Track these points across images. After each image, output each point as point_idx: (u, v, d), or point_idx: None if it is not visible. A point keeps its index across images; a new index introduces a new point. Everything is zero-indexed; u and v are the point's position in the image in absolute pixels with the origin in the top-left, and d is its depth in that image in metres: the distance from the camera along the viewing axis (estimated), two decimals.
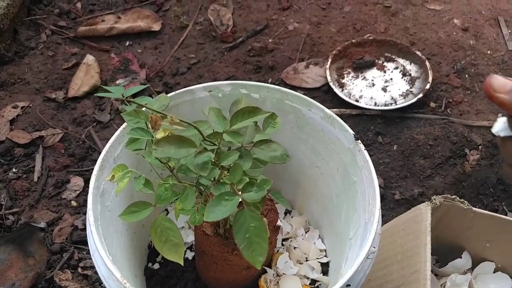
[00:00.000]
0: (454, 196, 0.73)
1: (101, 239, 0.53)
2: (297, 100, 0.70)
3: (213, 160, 0.46)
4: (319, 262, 0.78)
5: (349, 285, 0.56)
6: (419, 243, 0.67)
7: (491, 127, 0.66)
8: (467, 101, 1.16)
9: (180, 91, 0.69)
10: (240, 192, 0.44)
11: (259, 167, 0.51)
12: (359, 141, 0.63)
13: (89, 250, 0.96)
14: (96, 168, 0.59)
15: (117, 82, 1.25)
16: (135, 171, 0.55)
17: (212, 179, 0.59)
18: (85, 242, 0.94)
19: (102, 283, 0.72)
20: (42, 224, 0.96)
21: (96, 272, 0.90)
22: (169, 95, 0.68)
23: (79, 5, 1.44)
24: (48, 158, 1.08)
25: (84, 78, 1.24)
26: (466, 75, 1.22)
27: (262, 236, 0.42)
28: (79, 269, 0.91)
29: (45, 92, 1.21)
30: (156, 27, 1.38)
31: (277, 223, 0.70)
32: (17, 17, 1.34)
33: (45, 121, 1.14)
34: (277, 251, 0.78)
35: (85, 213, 1.00)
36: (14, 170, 1.05)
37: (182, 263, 0.53)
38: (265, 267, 0.75)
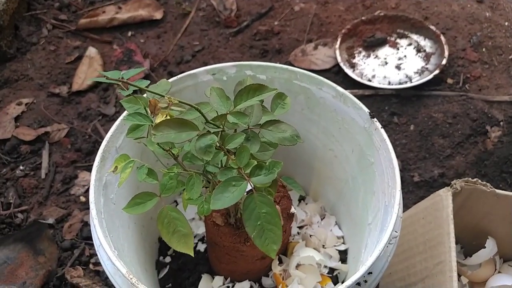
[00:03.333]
0: (475, 179, 0.69)
1: (104, 233, 0.50)
2: (307, 79, 0.65)
3: (218, 144, 0.42)
4: (336, 249, 0.75)
5: (371, 273, 0.52)
6: (441, 232, 0.63)
7: None
8: (485, 75, 1.11)
9: (183, 75, 0.66)
10: (248, 177, 0.40)
11: (268, 150, 0.47)
12: (375, 119, 0.59)
13: None
14: (97, 159, 0.56)
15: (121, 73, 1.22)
16: (137, 160, 0.52)
17: (220, 165, 0.55)
18: None
19: None
20: (51, 221, 0.94)
21: None
22: (170, 80, 0.65)
23: None
24: (55, 154, 1.06)
25: (88, 71, 1.22)
26: (483, 49, 1.16)
27: (275, 222, 0.38)
28: (91, 265, 0.89)
29: (49, 88, 1.19)
30: (158, 15, 1.34)
31: (291, 210, 0.66)
32: (17, 12, 1.31)
33: (50, 117, 1.12)
34: (292, 239, 0.75)
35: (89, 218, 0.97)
36: (21, 167, 1.03)
37: (192, 254, 0.50)
38: (281, 256, 0.72)
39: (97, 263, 0.89)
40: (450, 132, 1.01)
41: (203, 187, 0.58)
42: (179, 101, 0.40)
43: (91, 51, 1.25)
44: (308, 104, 0.68)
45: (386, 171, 0.56)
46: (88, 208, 0.98)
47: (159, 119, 0.46)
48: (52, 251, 0.90)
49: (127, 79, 0.50)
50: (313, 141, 0.73)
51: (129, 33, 1.31)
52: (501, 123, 1.02)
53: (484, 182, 0.67)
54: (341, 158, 0.70)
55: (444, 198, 0.66)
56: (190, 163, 0.57)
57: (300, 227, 0.77)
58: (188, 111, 0.43)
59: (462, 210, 0.72)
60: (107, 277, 0.87)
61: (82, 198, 0.99)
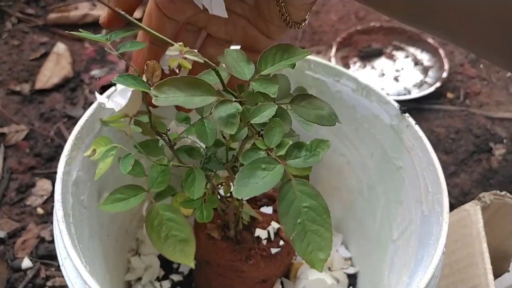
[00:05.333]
0: (504, 192, 0.61)
1: (73, 242, 0.37)
2: (322, 70, 0.56)
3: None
4: (345, 273, 0.64)
5: None
6: (472, 252, 0.54)
7: None
8: (485, 92, 1.06)
9: None
10: (283, 160, 0.30)
11: (293, 135, 0.37)
12: (407, 114, 0.50)
13: (58, 266, 0.80)
14: (67, 148, 0.44)
15: (92, 73, 1.09)
16: (122, 147, 0.40)
17: (224, 161, 0.45)
18: (53, 257, 0.78)
19: None
20: (2, 235, 0.79)
21: None
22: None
23: None
24: (10, 158, 0.91)
25: (54, 69, 1.08)
26: (481, 65, 1.12)
27: (322, 221, 0.28)
28: None
29: (9, 85, 1.05)
30: (137, 14, 1.23)
31: None
32: None
33: (7, 117, 0.98)
34: (295, 259, 0.64)
35: (53, 222, 0.83)
36: None
37: (192, 265, 0.39)
38: (282, 278, 0.61)
39: (55, 287, 0.75)
40: (453, 148, 0.95)
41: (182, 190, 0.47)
42: (193, 51, 0.29)
43: (60, 47, 1.13)
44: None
45: (423, 174, 0.47)
46: (46, 222, 0.84)
47: None
48: (0, 271, 0.74)
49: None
50: None
51: (103, 32, 1.19)
52: (504, 140, 0.97)
53: None
54: (355, 165, 0.60)
55: (472, 213, 0.57)
56: (186, 157, 0.45)
57: None
58: (200, 74, 0.33)
59: (486, 227, 0.63)
60: None
61: (40, 210, 0.85)
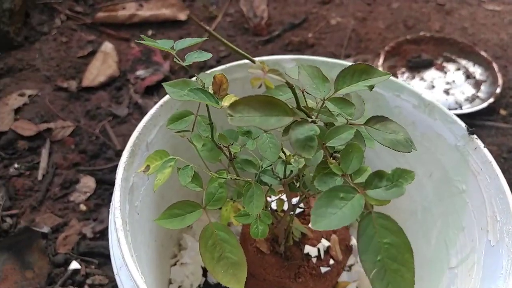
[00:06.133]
0: None
1: (131, 252, 0.37)
2: (381, 83, 0.54)
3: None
4: None
5: None
6: None
7: None
8: None
9: (232, 65, 0.54)
10: (363, 189, 0.28)
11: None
12: (475, 135, 0.47)
13: (99, 263, 0.80)
14: (125, 154, 0.43)
15: (137, 73, 1.10)
16: (180, 159, 0.40)
17: (281, 176, 0.43)
18: (94, 254, 0.78)
19: None
20: (45, 230, 0.81)
21: None
22: (217, 68, 0.53)
23: None
24: (56, 153, 0.93)
25: (101, 67, 1.10)
26: None
27: (404, 260, 0.26)
28: (86, 287, 0.75)
29: (56, 81, 1.07)
30: (182, 16, 1.24)
31: (350, 242, 0.54)
32: None
33: (54, 112, 0.99)
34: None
35: (95, 220, 0.84)
36: (16, 165, 0.90)
37: None
38: None
39: (94, 285, 0.75)
40: (505, 169, 0.90)
41: (234, 200, 0.46)
42: (274, 70, 0.28)
43: (107, 46, 1.14)
44: (377, 114, 0.56)
45: (491, 201, 0.44)
46: (88, 219, 0.84)
47: (226, 102, 0.34)
48: (42, 266, 0.76)
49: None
50: (371, 159, 0.61)
51: (150, 32, 1.21)
52: None
53: None
54: (410, 184, 0.58)
55: None
56: (240, 169, 0.44)
57: (350, 265, 0.64)
58: (275, 88, 0.32)
59: None
60: None
61: (82, 207, 0.86)
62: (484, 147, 0.46)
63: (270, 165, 0.44)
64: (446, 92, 1.01)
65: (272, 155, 0.37)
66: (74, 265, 0.77)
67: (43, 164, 0.91)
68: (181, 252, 0.64)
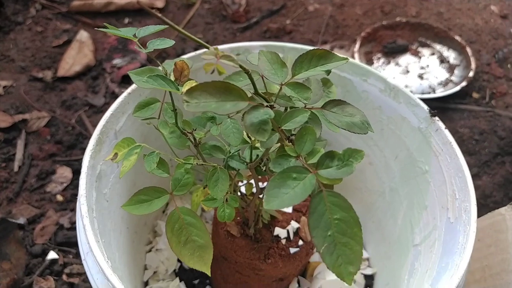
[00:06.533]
0: None
1: (96, 237, 0.38)
2: (349, 69, 0.55)
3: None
4: (362, 273, 0.64)
5: None
6: (506, 258, 0.52)
7: None
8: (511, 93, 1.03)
9: (200, 52, 0.54)
10: (314, 169, 0.29)
11: (321, 140, 0.36)
12: (437, 117, 0.48)
13: (77, 252, 0.81)
14: (92, 142, 0.44)
15: (114, 62, 1.10)
16: (146, 145, 0.40)
17: (248, 161, 0.44)
18: (71, 244, 0.78)
19: None
20: (22, 221, 0.80)
21: (84, 280, 0.74)
22: (186, 56, 0.54)
23: None
24: (32, 144, 0.92)
25: (77, 57, 1.09)
26: (508, 65, 1.09)
27: (353, 234, 0.27)
28: (64, 276, 0.75)
29: (31, 71, 1.06)
30: (160, 4, 1.23)
31: None
32: None
33: (29, 103, 0.99)
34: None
35: (72, 210, 0.84)
36: None
37: (209, 273, 0.39)
38: (299, 277, 0.60)
39: (72, 274, 0.76)
40: (477, 150, 0.92)
41: (204, 186, 0.47)
42: (228, 55, 0.28)
43: (83, 35, 1.13)
44: (345, 99, 0.57)
45: (451, 180, 0.46)
46: (65, 209, 0.84)
47: (186, 88, 0.35)
48: (19, 256, 0.76)
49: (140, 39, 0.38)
50: (343, 144, 0.63)
51: (126, 20, 1.20)
52: None
53: None
54: (378, 166, 0.59)
55: (508, 218, 0.56)
56: (208, 155, 0.45)
57: None
58: (232, 75, 0.32)
59: None
60: None
61: (59, 197, 0.86)
62: (445, 128, 0.48)
63: (237, 150, 0.45)
64: (420, 76, 1.02)
65: (235, 140, 0.38)
66: (52, 255, 0.77)
67: (19, 155, 0.90)
68: (156, 238, 0.65)
